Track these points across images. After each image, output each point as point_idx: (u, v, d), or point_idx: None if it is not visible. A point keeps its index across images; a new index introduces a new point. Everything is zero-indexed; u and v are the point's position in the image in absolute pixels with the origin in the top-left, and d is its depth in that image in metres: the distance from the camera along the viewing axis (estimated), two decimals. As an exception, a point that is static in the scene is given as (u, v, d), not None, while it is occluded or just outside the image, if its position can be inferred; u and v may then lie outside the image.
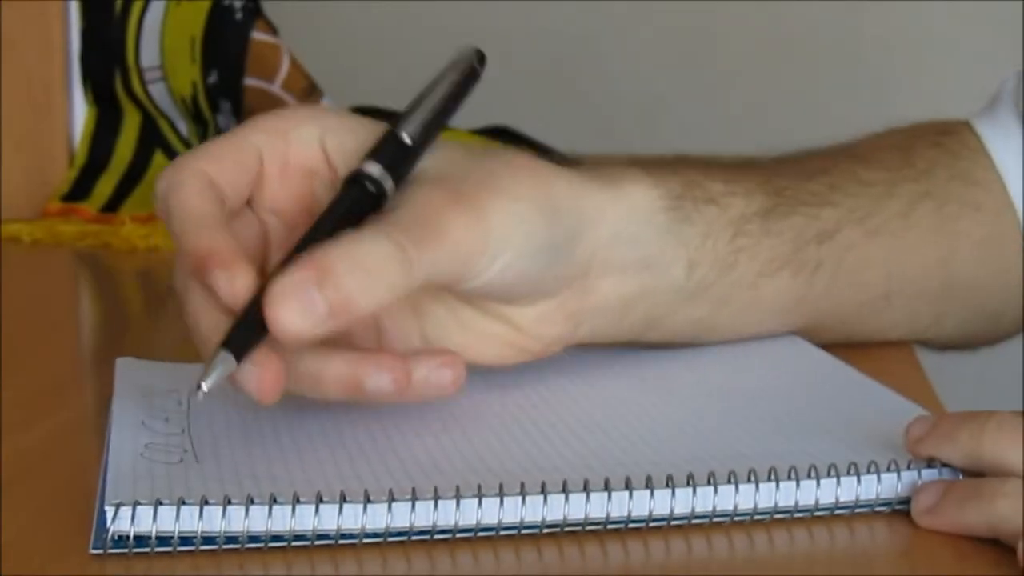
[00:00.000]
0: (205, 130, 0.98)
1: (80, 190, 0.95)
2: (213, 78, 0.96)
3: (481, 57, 0.55)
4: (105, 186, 0.96)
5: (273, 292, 0.45)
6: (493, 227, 0.49)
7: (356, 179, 0.50)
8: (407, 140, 0.51)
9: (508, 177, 0.51)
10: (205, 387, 0.44)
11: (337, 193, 0.50)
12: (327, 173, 0.52)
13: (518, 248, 0.50)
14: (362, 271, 0.45)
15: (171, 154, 0.98)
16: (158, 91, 0.97)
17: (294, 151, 0.51)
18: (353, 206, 0.49)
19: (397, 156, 0.50)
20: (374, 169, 0.49)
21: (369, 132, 0.51)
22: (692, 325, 0.59)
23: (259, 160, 0.51)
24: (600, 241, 0.54)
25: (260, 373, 0.45)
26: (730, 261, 0.58)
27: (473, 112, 1.10)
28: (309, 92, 0.98)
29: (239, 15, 0.96)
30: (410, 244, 0.46)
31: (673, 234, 0.57)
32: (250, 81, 0.97)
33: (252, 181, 0.51)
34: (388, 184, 0.50)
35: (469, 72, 0.54)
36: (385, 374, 0.48)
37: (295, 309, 0.44)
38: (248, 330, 0.45)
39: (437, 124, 0.52)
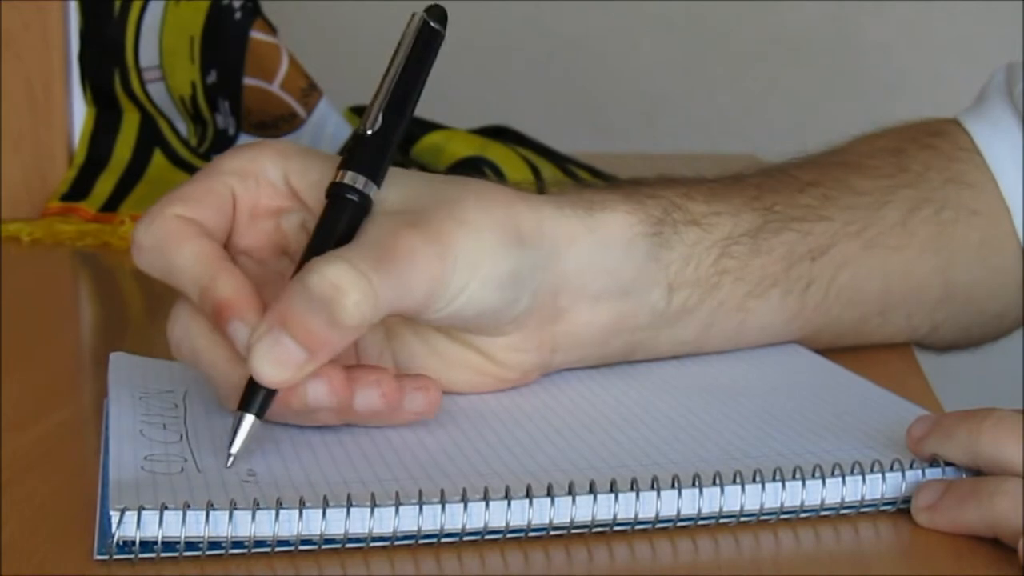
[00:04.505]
0: (204, 130, 0.98)
1: (79, 190, 0.95)
2: (212, 78, 0.96)
3: (438, 14, 0.52)
4: (104, 186, 0.95)
5: (250, 349, 0.45)
6: (458, 257, 0.49)
7: (335, 192, 0.49)
8: (369, 132, 0.50)
9: (473, 207, 0.50)
10: (234, 451, 0.46)
11: (321, 214, 0.49)
12: (296, 209, 0.51)
13: (483, 279, 0.50)
14: (320, 303, 0.45)
15: (170, 153, 0.98)
16: (157, 91, 0.97)
17: (264, 192, 0.51)
18: (339, 220, 0.49)
19: (368, 153, 0.50)
20: (347, 176, 0.49)
21: (332, 163, 0.51)
22: (678, 347, 0.59)
23: (233, 203, 0.51)
24: (570, 270, 0.54)
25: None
26: (713, 283, 0.58)
27: (473, 111, 1.11)
28: (308, 92, 0.98)
29: (238, 15, 0.96)
30: (369, 267, 0.46)
31: (652, 259, 0.56)
32: (249, 81, 0.97)
33: (229, 224, 0.51)
34: (366, 185, 0.49)
35: (426, 35, 0.52)
36: (373, 389, 0.49)
37: (273, 362, 0.45)
38: (263, 387, 0.46)
39: (405, 100, 0.51)
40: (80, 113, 0.98)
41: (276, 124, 0.98)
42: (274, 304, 0.46)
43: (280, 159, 0.51)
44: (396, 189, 0.50)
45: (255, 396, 0.46)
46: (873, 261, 0.62)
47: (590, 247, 0.54)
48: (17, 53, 0.94)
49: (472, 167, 0.95)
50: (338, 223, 0.49)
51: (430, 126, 0.99)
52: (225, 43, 0.96)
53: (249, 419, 0.46)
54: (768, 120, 1.59)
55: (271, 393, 0.46)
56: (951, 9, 1.58)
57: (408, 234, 0.48)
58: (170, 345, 0.50)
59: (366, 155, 0.50)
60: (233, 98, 0.97)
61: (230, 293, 0.47)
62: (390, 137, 0.50)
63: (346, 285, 0.45)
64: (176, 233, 0.49)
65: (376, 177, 0.49)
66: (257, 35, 0.96)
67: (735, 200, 0.59)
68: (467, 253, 0.49)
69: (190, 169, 0.97)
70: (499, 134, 1.03)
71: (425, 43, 0.52)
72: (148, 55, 0.97)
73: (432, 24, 0.52)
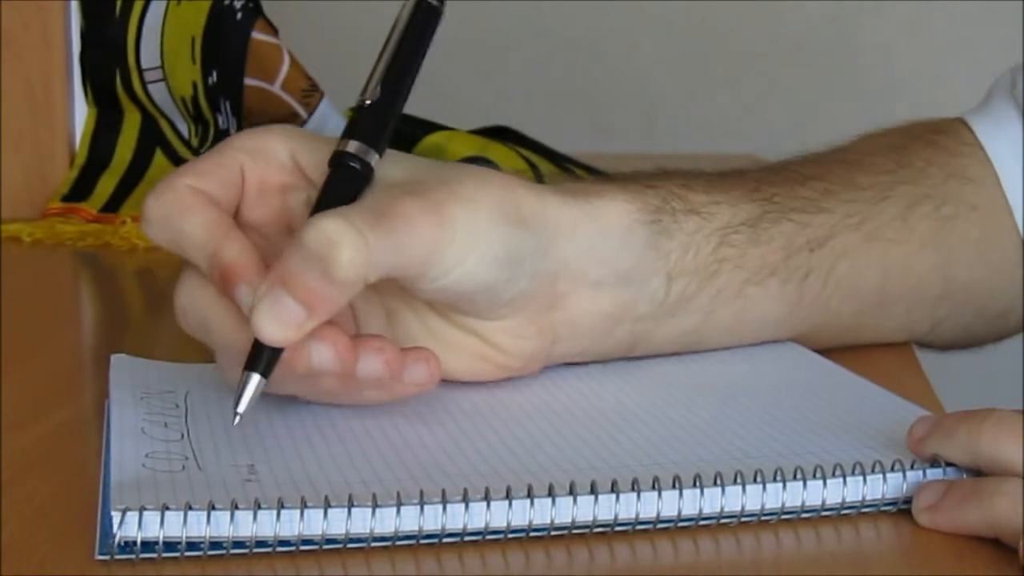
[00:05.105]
0: (205, 130, 0.98)
1: (80, 190, 0.95)
2: (213, 78, 0.96)
3: None
4: (105, 186, 0.95)
5: (252, 309, 0.46)
6: (457, 229, 0.49)
7: (337, 161, 0.50)
8: (368, 102, 0.51)
9: (474, 186, 0.51)
10: (241, 410, 0.46)
11: (324, 182, 0.50)
12: (302, 186, 0.52)
13: (481, 254, 0.50)
14: (316, 258, 0.46)
15: (171, 154, 0.98)
16: (158, 91, 0.97)
17: (271, 169, 0.52)
18: (341, 186, 0.50)
19: (368, 122, 0.51)
20: (350, 144, 0.50)
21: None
22: (680, 337, 0.59)
23: (242, 178, 0.52)
24: (569, 256, 0.54)
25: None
26: (712, 270, 0.58)
27: (473, 111, 1.11)
28: (309, 93, 0.98)
29: (239, 15, 0.96)
30: (365, 225, 0.47)
31: (651, 247, 0.56)
32: (250, 81, 0.97)
33: (238, 198, 0.52)
34: (367, 153, 0.50)
35: (423, 10, 0.53)
36: (376, 356, 0.49)
37: (273, 320, 0.46)
38: (269, 346, 0.47)
39: (403, 73, 0.52)
40: (81, 113, 0.98)
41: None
42: (275, 264, 0.47)
43: (287, 138, 0.53)
44: (398, 167, 0.51)
45: (260, 356, 0.47)
46: (872, 254, 0.62)
47: (590, 234, 0.54)
48: (17, 53, 0.94)
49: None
50: (340, 189, 0.50)
51: (431, 127, 0.99)
52: (226, 43, 0.96)
53: (255, 378, 0.46)
54: (768, 120, 1.59)
55: (276, 353, 0.47)
56: (951, 9, 1.58)
57: (408, 201, 0.49)
58: (176, 314, 0.51)
59: (366, 124, 0.51)
60: (234, 98, 0.97)
61: (236, 258, 0.48)
62: (389, 107, 0.51)
63: (340, 239, 0.46)
64: (185, 202, 0.50)
65: (377, 145, 0.50)
66: (258, 36, 0.96)
67: (734, 191, 0.59)
68: (465, 227, 0.49)
69: (191, 169, 0.97)
70: (499, 134, 1.03)
71: (423, 19, 0.53)
72: (149, 55, 0.97)
73: (431, 2, 0.53)
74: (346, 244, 0.46)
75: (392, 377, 0.50)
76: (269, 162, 0.52)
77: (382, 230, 0.47)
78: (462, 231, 0.49)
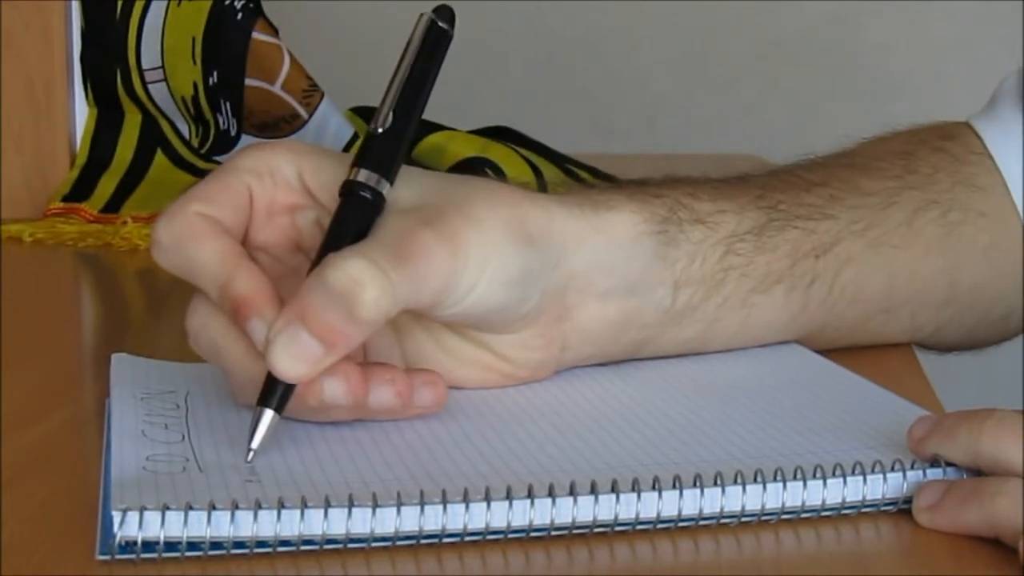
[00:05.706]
0: (206, 130, 0.98)
1: (81, 190, 0.95)
2: (214, 78, 0.96)
3: (446, 14, 0.53)
4: (106, 186, 0.96)
5: (268, 343, 0.46)
6: (470, 255, 0.49)
7: (349, 191, 0.50)
8: (380, 130, 0.51)
9: (482, 206, 0.51)
10: (255, 446, 0.46)
11: (335, 211, 0.50)
12: (311, 206, 0.52)
13: (492, 277, 0.50)
14: (339, 298, 0.46)
15: (171, 154, 0.98)
16: (159, 91, 0.97)
17: (279, 190, 0.52)
18: (353, 217, 0.50)
19: (380, 151, 0.51)
20: (361, 174, 0.50)
21: (344, 161, 0.51)
22: (685, 343, 0.59)
23: (250, 201, 0.52)
24: (578, 269, 0.54)
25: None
26: (718, 279, 0.58)
27: (473, 112, 1.11)
28: (310, 93, 0.98)
29: (240, 15, 0.96)
30: (387, 263, 0.47)
31: (658, 257, 0.56)
32: (251, 81, 0.97)
33: (247, 222, 0.52)
34: (379, 183, 0.50)
35: (434, 35, 0.53)
36: (387, 387, 0.49)
37: (291, 357, 0.46)
38: (281, 382, 0.47)
39: (415, 99, 0.52)
40: (82, 114, 0.98)
41: (277, 125, 0.98)
42: (292, 299, 0.46)
43: (293, 157, 0.52)
44: (407, 188, 0.51)
45: (274, 391, 0.47)
46: (878, 260, 0.63)
47: (597, 246, 0.54)
48: (18, 53, 0.95)
49: (473, 167, 0.95)
50: (353, 220, 0.49)
51: (431, 127, 0.99)
52: (227, 44, 0.96)
53: (269, 414, 0.47)
54: (768, 120, 1.59)
55: (289, 388, 0.47)
56: (951, 9, 1.58)
57: (423, 232, 0.48)
58: (188, 338, 0.51)
59: (378, 153, 0.50)
60: (234, 99, 0.97)
61: (248, 290, 0.48)
62: (401, 135, 0.51)
63: (366, 280, 0.46)
64: (196, 231, 0.50)
65: (388, 175, 0.50)
66: (259, 36, 0.96)
67: (740, 199, 0.59)
68: (477, 251, 0.50)
69: (192, 170, 0.97)
70: (500, 134, 1.03)
71: (433, 43, 0.53)
72: (150, 55, 0.97)
73: (440, 24, 0.53)
74: (370, 284, 0.46)
75: (402, 406, 0.50)
76: (276, 183, 0.52)
77: (402, 267, 0.47)
78: (474, 256, 0.49)
